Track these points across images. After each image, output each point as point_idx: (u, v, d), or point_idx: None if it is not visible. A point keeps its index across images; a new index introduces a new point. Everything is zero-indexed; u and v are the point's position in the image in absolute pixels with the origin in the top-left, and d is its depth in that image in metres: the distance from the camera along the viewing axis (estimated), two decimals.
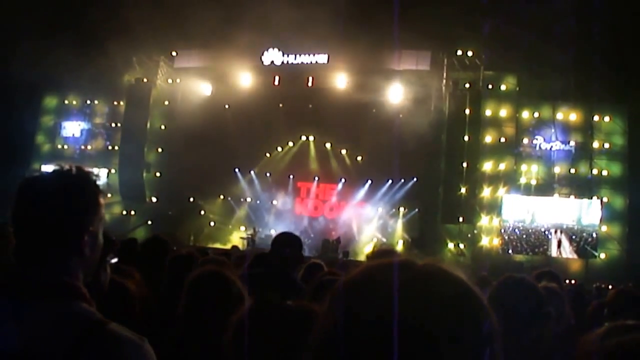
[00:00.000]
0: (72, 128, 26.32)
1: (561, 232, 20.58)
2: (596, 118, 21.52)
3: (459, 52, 22.09)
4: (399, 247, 22.10)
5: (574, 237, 20.49)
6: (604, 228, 20.62)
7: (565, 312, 3.37)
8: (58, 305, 1.58)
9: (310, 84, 22.99)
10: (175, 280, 3.45)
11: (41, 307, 1.57)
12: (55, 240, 1.66)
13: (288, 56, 23.40)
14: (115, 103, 25.99)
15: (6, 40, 20.46)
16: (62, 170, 1.77)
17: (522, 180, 21.53)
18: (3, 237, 3.25)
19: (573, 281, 17.03)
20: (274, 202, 24.26)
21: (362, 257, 18.74)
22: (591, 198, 20.81)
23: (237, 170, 24.47)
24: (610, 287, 12.75)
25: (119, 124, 25.49)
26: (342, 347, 0.93)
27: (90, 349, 1.49)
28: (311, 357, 0.98)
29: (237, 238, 22.60)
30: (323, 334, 0.97)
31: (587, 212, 20.58)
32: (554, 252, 20.54)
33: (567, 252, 20.50)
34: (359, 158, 23.85)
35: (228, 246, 18.51)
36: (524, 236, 20.87)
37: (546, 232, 20.72)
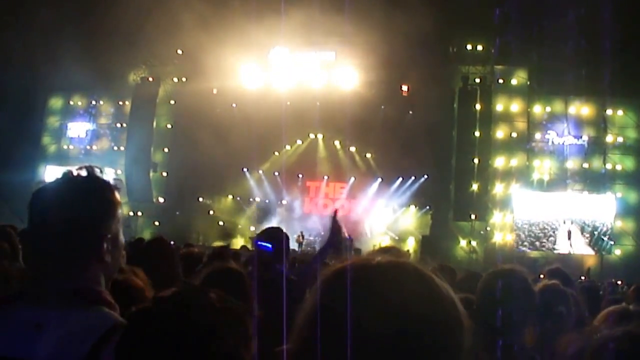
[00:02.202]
0: (78, 129, 26.58)
1: (572, 223, 20.68)
2: (609, 112, 21.59)
3: (469, 47, 22.22)
4: (411, 244, 22.29)
5: (587, 229, 20.55)
6: (619, 223, 20.71)
7: (572, 310, 3.35)
8: (80, 311, 1.60)
9: (318, 81, 23.16)
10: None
11: (63, 314, 1.59)
12: (74, 249, 1.67)
13: (295, 54, 23.61)
14: (121, 103, 26.21)
15: (11, 42, 20.69)
16: (72, 175, 1.75)
17: (535, 176, 21.62)
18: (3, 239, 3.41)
19: (588, 277, 17.24)
20: (283, 201, 24.45)
21: None
22: (605, 193, 20.92)
23: (245, 169, 24.65)
24: (622, 282, 12.98)
25: (124, 124, 25.73)
26: (317, 330, 1.05)
27: (108, 352, 1.48)
28: (296, 332, 1.11)
29: (246, 238, 22.76)
30: (305, 316, 1.09)
31: (601, 208, 20.67)
32: (563, 244, 20.62)
33: (580, 245, 20.59)
34: (369, 155, 23.97)
35: (237, 246, 18.70)
36: (538, 233, 20.96)
37: (558, 227, 20.83)
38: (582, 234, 20.61)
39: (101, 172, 1.80)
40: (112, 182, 1.80)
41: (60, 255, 1.67)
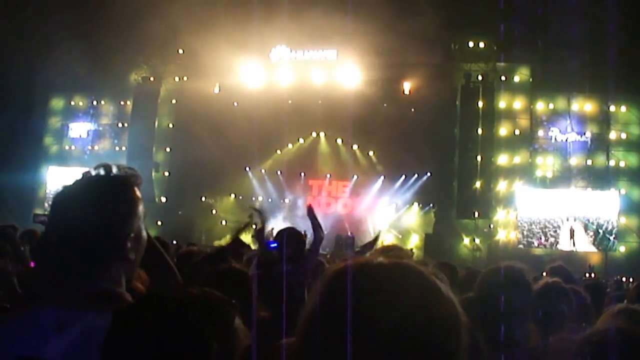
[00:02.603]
0: (79, 129, 26.63)
1: (574, 221, 20.70)
2: (612, 108, 21.58)
3: (471, 44, 22.22)
4: (414, 242, 22.32)
5: (591, 227, 20.58)
6: (623, 220, 20.73)
7: (574, 308, 3.38)
8: (101, 313, 1.59)
9: (319, 79, 23.21)
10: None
11: (85, 315, 1.62)
12: (96, 250, 1.69)
13: (296, 52, 23.66)
14: (122, 103, 26.24)
15: (11, 43, 20.74)
16: (91, 176, 1.79)
17: (538, 173, 21.67)
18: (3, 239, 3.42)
19: (592, 275, 17.27)
20: (286, 200, 24.50)
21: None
22: (609, 190, 20.93)
23: (247, 168, 24.70)
24: (627, 279, 13.00)
25: (126, 124, 25.76)
26: (318, 325, 1.09)
27: None
28: (298, 330, 1.14)
29: (249, 237, 22.79)
30: (308, 314, 1.13)
31: (605, 205, 20.66)
32: (566, 243, 20.64)
33: (583, 244, 20.61)
34: (371, 153, 24.02)
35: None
36: (542, 230, 21.00)
37: (562, 225, 20.86)
38: (585, 232, 20.61)
39: (118, 169, 1.82)
40: (131, 178, 1.84)
41: (83, 257, 1.69)
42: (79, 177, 1.80)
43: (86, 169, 1.83)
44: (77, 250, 1.69)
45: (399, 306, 1.06)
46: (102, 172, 1.79)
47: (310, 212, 5.31)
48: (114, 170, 1.81)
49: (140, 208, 1.82)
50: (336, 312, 1.07)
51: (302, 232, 5.35)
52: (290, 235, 5.00)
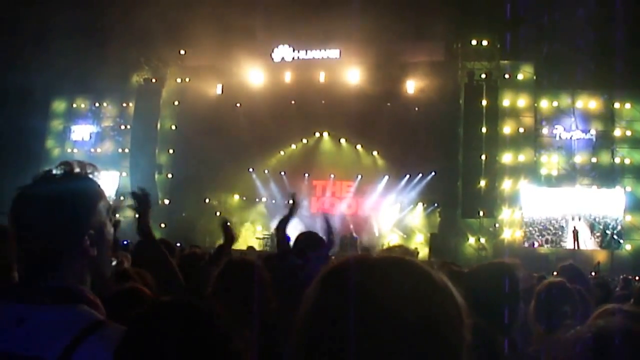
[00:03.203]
0: (82, 131, 26.71)
1: (579, 219, 20.71)
2: (617, 105, 21.61)
3: (474, 42, 22.24)
4: (419, 241, 22.32)
5: (597, 227, 20.58)
6: (628, 218, 20.73)
7: (578, 309, 3.31)
8: (61, 308, 1.64)
9: (322, 79, 23.25)
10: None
11: (44, 310, 1.64)
12: (56, 247, 1.71)
13: (299, 52, 23.72)
14: (125, 105, 26.31)
15: (13, 45, 20.80)
16: (49, 174, 1.79)
17: (543, 171, 21.67)
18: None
19: (595, 273, 17.25)
20: (290, 201, 24.44)
21: None
22: (614, 187, 20.94)
23: (251, 169, 24.74)
24: (634, 278, 12.98)
25: (128, 126, 25.82)
26: (316, 325, 1.08)
27: (83, 349, 1.55)
28: (296, 327, 1.12)
29: (253, 238, 22.88)
30: (305, 311, 1.11)
31: (611, 202, 20.67)
32: (570, 244, 20.64)
33: (588, 244, 20.62)
34: (375, 153, 24.04)
35: (244, 247, 18.77)
36: (547, 228, 20.99)
37: (567, 224, 20.86)
38: (592, 232, 20.58)
39: (80, 167, 1.83)
40: (91, 175, 1.84)
41: (43, 254, 1.71)
42: (39, 175, 1.81)
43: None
44: (36, 246, 1.70)
45: (398, 303, 1.04)
46: (61, 170, 1.79)
47: (326, 218, 5.41)
48: (75, 168, 1.81)
49: (102, 204, 1.81)
50: (333, 310, 1.06)
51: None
52: (309, 236, 5.02)
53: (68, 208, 1.73)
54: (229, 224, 4.96)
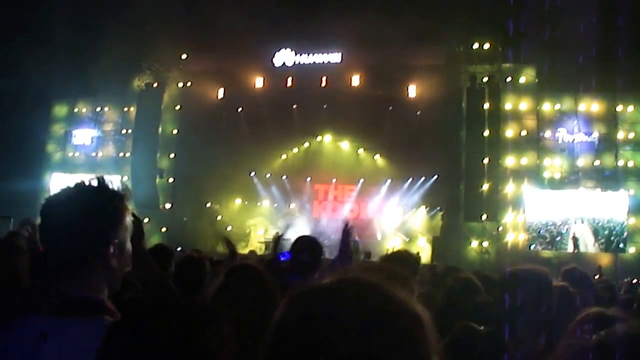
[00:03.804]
0: (83, 136, 26.73)
1: (582, 223, 20.66)
2: (620, 108, 21.59)
3: (476, 45, 22.25)
4: (422, 245, 22.31)
5: (601, 231, 20.55)
6: (632, 221, 20.70)
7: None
8: (82, 320, 1.67)
9: (324, 83, 23.27)
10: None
11: (67, 322, 1.67)
12: (81, 251, 1.77)
13: (300, 56, 23.76)
14: (126, 109, 26.32)
15: (14, 50, 20.85)
16: (79, 184, 1.87)
17: (546, 175, 21.64)
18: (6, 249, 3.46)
19: (598, 276, 17.22)
20: (292, 205, 24.54)
21: None
22: (618, 190, 20.91)
23: (252, 173, 24.77)
24: (638, 281, 12.97)
25: (129, 130, 25.82)
26: (283, 343, 1.09)
27: None
28: (266, 342, 1.12)
29: (255, 243, 22.88)
30: (273, 329, 1.12)
31: (614, 205, 20.63)
32: (570, 248, 20.60)
33: (591, 247, 20.58)
34: (377, 157, 24.07)
35: (246, 251, 18.78)
36: (550, 232, 20.96)
37: (570, 228, 20.81)
38: (595, 238, 20.50)
39: (112, 183, 1.91)
40: (120, 190, 1.91)
41: (68, 258, 1.77)
42: (71, 185, 1.88)
43: (91, 176, 1.93)
44: (64, 247, 1.77)
45: (359, 327, 1.04)
46: (94, 183, 1.87)
47: (345, 232, 5.22)
48: (106, 182, 1.89)
49: (127, 219, 1.90)
50: (296, 335, 1.07)
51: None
52: (308, 242, 4.86)
53: (99, 216, 1.81)
54: (229, 240, 5.00)
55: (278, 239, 5.25)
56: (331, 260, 5.38)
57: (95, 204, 1.81)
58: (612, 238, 20.45)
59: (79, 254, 1.77)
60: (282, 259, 4.99)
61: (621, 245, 20.40)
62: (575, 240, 20.55)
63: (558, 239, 20.84)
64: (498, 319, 2.76)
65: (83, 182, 1.87)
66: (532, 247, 20.96)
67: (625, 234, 20.44)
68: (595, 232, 20.57)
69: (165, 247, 5.45)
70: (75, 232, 1.76)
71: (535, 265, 3.13)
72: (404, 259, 4.03)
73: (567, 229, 20.76)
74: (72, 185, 1.87)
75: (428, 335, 1.08)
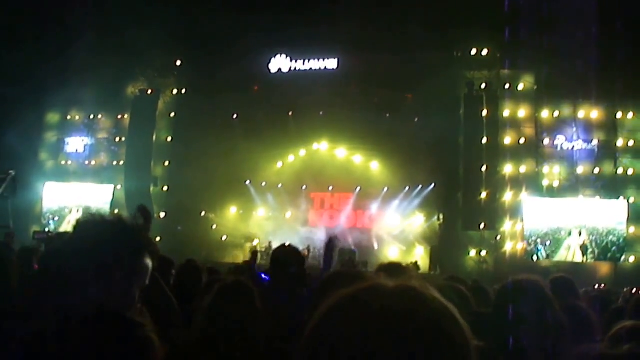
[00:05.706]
0: (76, 144, 26.65)
1: (580, 234, 20.68)
2: (619, 115, 21.65)
3: (474, 51, 22.32)
4: (419, 254, 22.29)
5: (600, 240, 20.55)
6: (632, 229, 20.72)
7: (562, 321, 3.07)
8: (92, 330, 1.74)
9: (320, 90, 23.27)
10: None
11: (76, 331, 1.73)
12: (105, 263, 1.89)
13: (296, 62, 23.79)
14: (119, 117, 26.26)
15: (6, 58, 20.85)
16: (115, 218, 2.08)
17: (545, 182, 21.66)
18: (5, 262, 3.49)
19: (602, 285, 17.25)
20: (288, 213, 24.53)
21: None
22: (617, 198, 20.93)
23: (248, 182, 24.76)
24: (638, 290, 12.98)
25: (123, 138, 25.79)
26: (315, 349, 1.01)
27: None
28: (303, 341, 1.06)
29: (249, 252, 22.80)
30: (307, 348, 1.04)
31: (614, 213, 20.64)
32: (569, 257, 20.61)
33: (589, 256, 20.59)
34: (374, 165, 24.07)
35: (240, 260, 18.75)
36: (549, 241, 20.96)
37: (570, 236, 20.81)
38: (594, 246, 20.51)
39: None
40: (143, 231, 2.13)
41: (82, 273, 1.87)
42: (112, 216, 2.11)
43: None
44: (78, 264, 1.86)
45: (411, 337, 0.99)
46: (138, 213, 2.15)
47: (329, 244, 5.09)
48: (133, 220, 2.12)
49: (149, 256, 2.07)
50: (341, 348, 0.99)
51: (306, 246, 5.22)
52: (288, 253, 4.62)
53: (121, 250, 1.97)
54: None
55: (255, 253, 5.25)
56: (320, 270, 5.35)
57: (133, 228, 2.07)
58: (611, 247, 20.45)
59: (103, 262, 1.92)
60: (263, 278, 4.92)
61: (619, 255, 20.39)
62: (569, 248, 20.55)
63: (557, 248, 20.84)
64: (494, 330, 2.77)
65: (118, 216, 2.12)
66: (534, 258, 20.90)
67: (624, 242, 20.43)
68: (595, 242, 20.57)
69: (166, 258, 5.53)
70: (99, 256, 1.92)
71: (531, 275, 3.14)
72: (400, 270, 4.02)
73: (567, 237, 20.76)
74: (105, 216, 2.10)
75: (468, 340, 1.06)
